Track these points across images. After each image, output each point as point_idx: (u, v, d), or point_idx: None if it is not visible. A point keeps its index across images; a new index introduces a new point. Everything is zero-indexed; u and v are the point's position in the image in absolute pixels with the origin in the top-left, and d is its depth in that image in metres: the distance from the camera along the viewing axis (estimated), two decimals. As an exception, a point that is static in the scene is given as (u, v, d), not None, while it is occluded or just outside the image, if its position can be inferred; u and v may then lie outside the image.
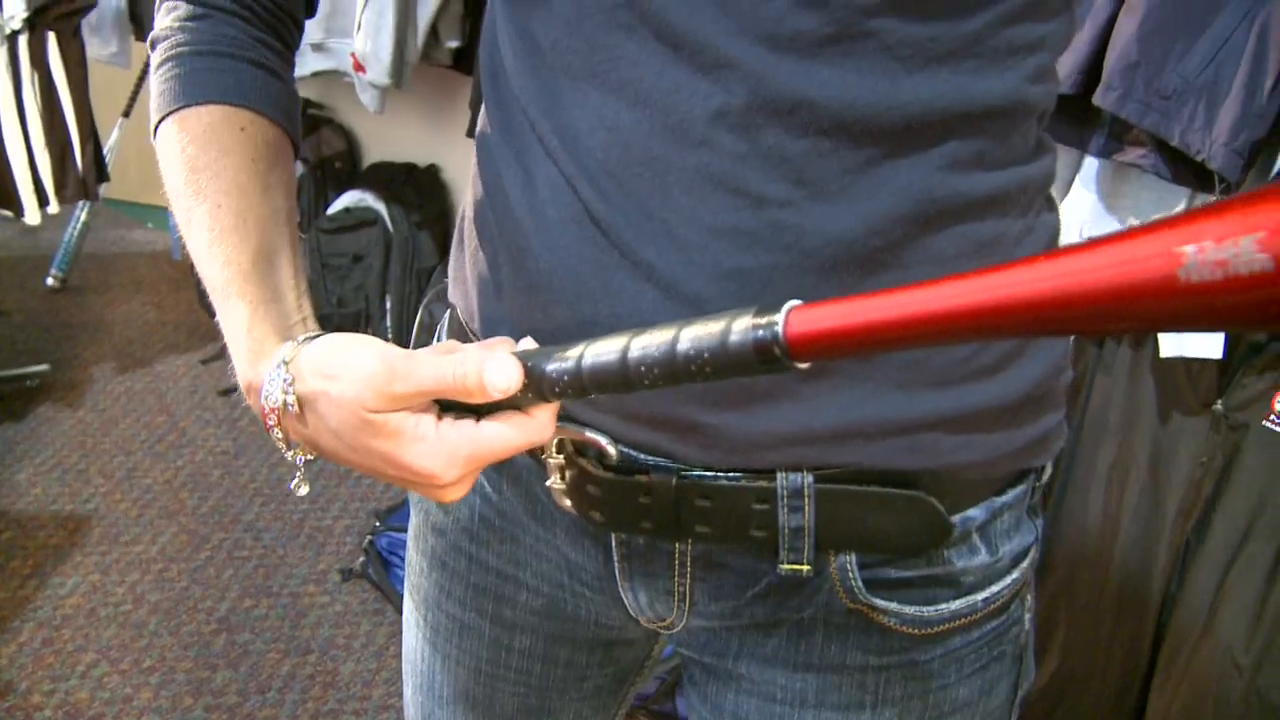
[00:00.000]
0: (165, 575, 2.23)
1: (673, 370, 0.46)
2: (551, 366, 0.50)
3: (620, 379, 0.48)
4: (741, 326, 0.43)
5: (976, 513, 0.63)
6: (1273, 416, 1.44)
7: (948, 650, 0.65)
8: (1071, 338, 0.66)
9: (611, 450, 0.61)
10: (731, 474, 0.60)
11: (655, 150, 0.54)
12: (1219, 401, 1.46)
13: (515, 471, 0.70)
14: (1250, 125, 1.30)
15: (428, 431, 0.53)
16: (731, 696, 0.69)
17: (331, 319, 2.75)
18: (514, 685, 0.78)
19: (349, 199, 2.85)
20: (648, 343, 0.47)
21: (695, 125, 0.53)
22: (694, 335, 0.45)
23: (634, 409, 0.60)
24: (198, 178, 0.62)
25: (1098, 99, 1.36)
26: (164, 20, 0.67)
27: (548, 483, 0.65)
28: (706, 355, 0.45)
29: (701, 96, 0.52)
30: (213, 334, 2.93)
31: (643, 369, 0.47)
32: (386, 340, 0.54)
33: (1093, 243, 0.35)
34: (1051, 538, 1.63)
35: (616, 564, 0.67)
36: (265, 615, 2.15)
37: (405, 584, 0.83)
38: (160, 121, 0.65)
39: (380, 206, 2.77)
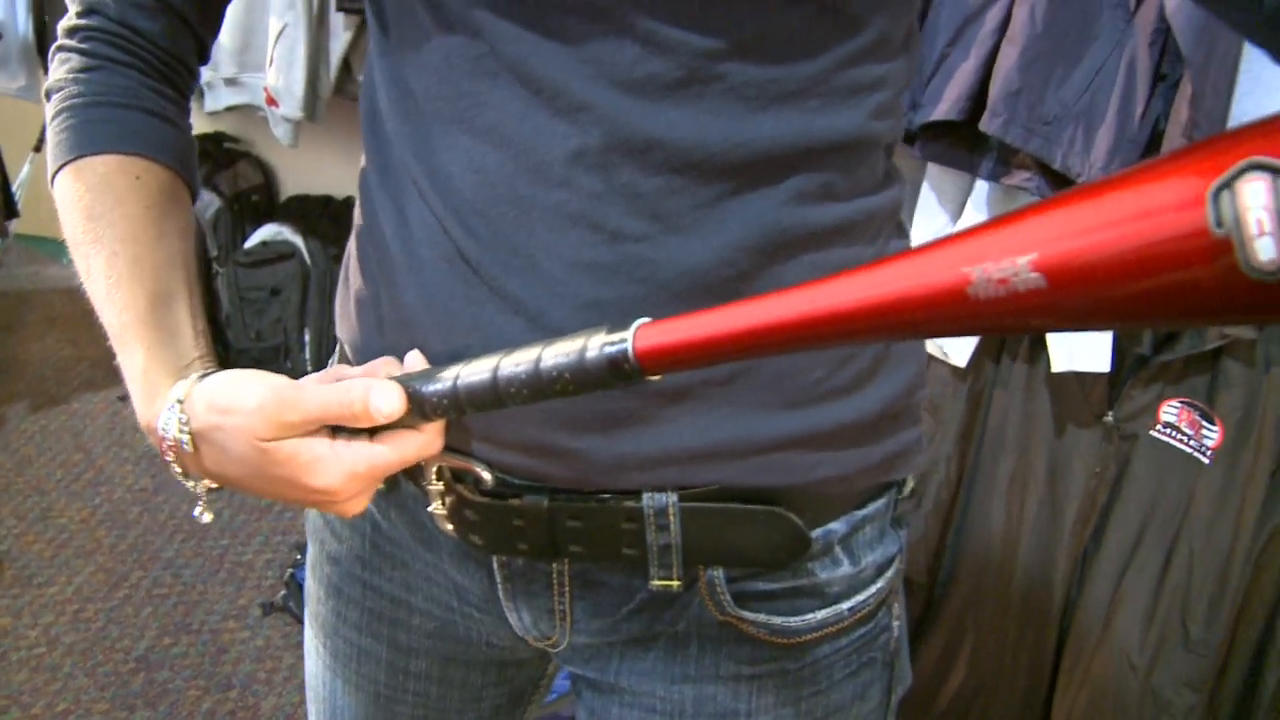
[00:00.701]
0: (81, 616, 2.20)
1: (538, 387, 0.49)
2: (430, 388, 0.54)
3: (492, 397, 0.51)
4: (596, 344, 0.47)
5: (838, 526, 0.66)
6: (1159, 426, 1.50)
7: (817, 658, 0.68)
8: (925, 359, 0.70)
9: (487, 476, 0.64)
10: (600, 495, 0.62)
11: (519, 190, 0.57)
12: (1110, 413, 1.52)
13: (401, 500, 0.72)
14: (1124, 149, 1.36)
15: (322, 452, 0.56)
16: (615, 710, 0.72)
17: (250, 353, 2.73)
18: (412, 708, 0.80)
19: (266, 232, 2.84)
20: (515, 362, 0.50)
21: (555, 166, 0.56)
22: (556, 354, 0.48)
23: (507, 436, 0.62)
24: (94, 226, 0.64)
25: (984, 125, 1.41)
26: (58, 71, 0.68)
27: (429, 509, 0.67)
28: (567, 372, 0.48)
29: (560, 138, 0.55)
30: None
31: (511, 388, 0.50)
32: (306, 373, 0.57)
33: (899, 255, 0.38)
34: (957, 550, 1.67)
35: (499, 585, 0.70)
36: (185, 653, 2.12)
37: (306, 612, 0.84)
38: (57, 171, 0.67)
39: (298, 240, 2.76)
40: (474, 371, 0.52)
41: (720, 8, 0.53)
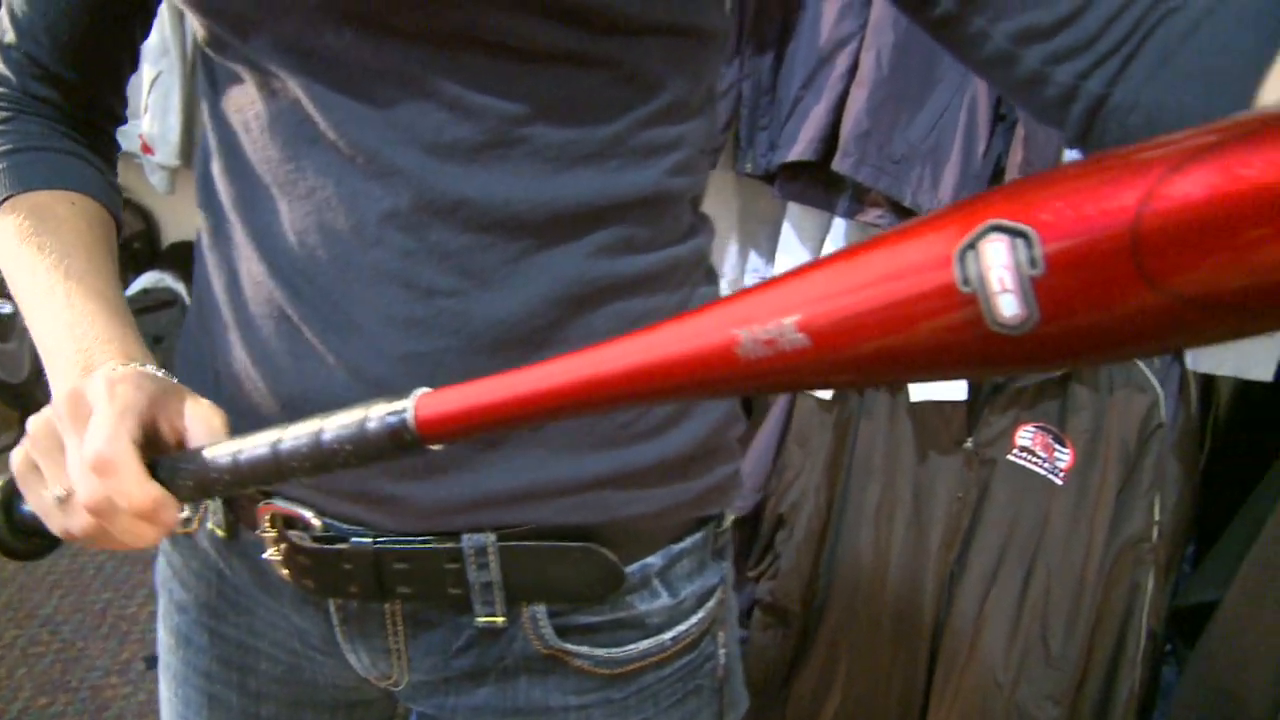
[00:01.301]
0: (-49, 680, 2.13)
1: (320, 459, 0.50)
2: (213, 466, 0.53)
3: (274, 470, 0.52)
4: (378, 415, 0.47)
5: (654, 560, 0.69)
6: (1015, 450, 1.56)
7: (642, 686, 0.71)
8: (736, 400, 0.73)
9: (316, 522, 0.67)
10: (423, 538, 0.65)
11: (338, 250, 0.59)
12: (969, 439, 1.57)
13: (243, 547, 0.73)
14: (969, 185, 1.42)
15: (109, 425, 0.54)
16: None
17: (130, 399, 2.67)
18: None
19: (148, 280, 2.79)
20: (297, 434, 0.50)
21: (370, 227, 0.58)
22: (337, 426, 0.49)
23: (334, 484, 0.65)
24: (39, 239, 0.65)
25: (836, 165, 1.46)
26: None
27: (264, 555, 0.69)
28: (349, 445, 0.49)
29: (374, 200, 0.58)
30: (9, 423, 2.82)
31: (294, 462, 0.51)
32: None
33: (671, 320, 0.40)
34: (830, 578, 1.71)
35: (337, 628, 0.72)
36: (62, 712, 2.06)
37: (159, 663, 0.85)
38: None
39: (179, 287, 2.72)
40: (255, 446, 0.52)
41: (523, 74, 0.56)
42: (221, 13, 0.58)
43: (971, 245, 0.31)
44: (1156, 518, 1.50)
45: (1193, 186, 0.27)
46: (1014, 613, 1.57)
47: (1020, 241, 0.30)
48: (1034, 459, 1.54)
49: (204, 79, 0.65)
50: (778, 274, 0.38)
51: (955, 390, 1.51)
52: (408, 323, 0.59)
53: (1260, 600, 1.41)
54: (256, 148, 0.61)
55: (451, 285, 0.59)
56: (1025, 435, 1.55)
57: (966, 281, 0.31)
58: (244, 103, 0.61)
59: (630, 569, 0.67)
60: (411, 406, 0.46)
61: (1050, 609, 1.54)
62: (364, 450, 0.48)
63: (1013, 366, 0.33)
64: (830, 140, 1.49)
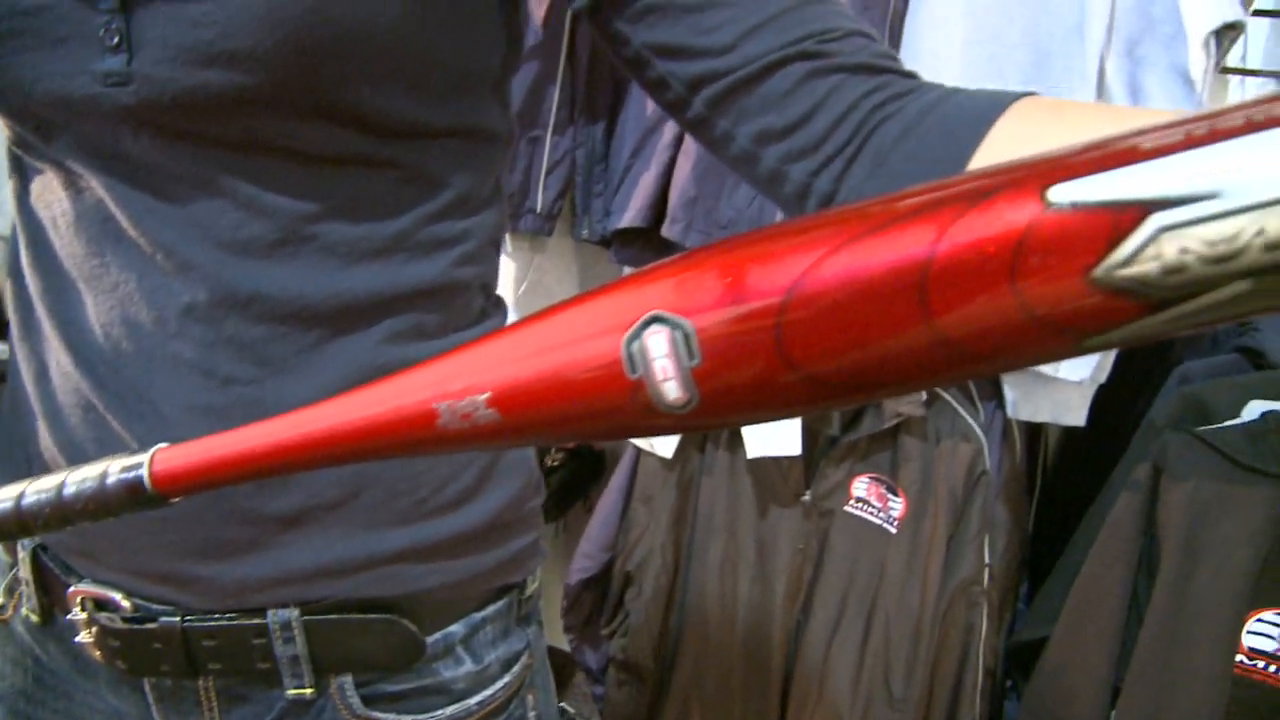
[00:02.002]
0: None
1: (63, 512, 0.49)
2: None
3: (17, 524, 0.51)
4: (116, 469, 0.47)
5: (457, 628, 0.71)
6: (852, 501, 1.60)
7: None
8: (534, 473, 0.76)
9: (125, 604, 0.68)
10: (229, 615, 0.67)
11: (141, 342, 0.62)
12: (808, 492, 1.61)
13: (58, 631, 0.74)
14: (792, 251, 1.46)
15: None
16: None
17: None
18: None
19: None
20: (40, 488, 0.50)
21: (171, 320, 0.61)
22: (79, 479, 0.49)
23: (142, 566, 0.67)
24: None
25: (665, 230, 1.49)
26: None
27: (77, 639, 0.70)
28: (89, 499, 0.49)
29: (174, 295, 0.60)
30: None
31: (37, 519, 0.51)
32: None
33: (383, 381, 0.42)
34: (679, 633, 1.74)
35: (153, 706, 0.72)
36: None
37: None
38: None
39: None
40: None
41: (313, 175, 0.59)
42: (24, 116, 0.60)
43: (636, 336, 0.33)
44: (987, 561, 1.56)
45: (831, 273, 0.30)
46: (857, 657, 1.61)
47: (679, 334, 0.32)
48: (869, 509, 1.59)
49: (13, 173, 0.67)
50: (482, 335, 0.40)
51: (790, 445, 1.55)
52: (207, 410, 0.62)
53: (1082, 634, 1.48)
54: (63, 242, 0.63)
55: (249, 374, 0.62)
56: (860, 486, 1.60)
57: (634, 369, 0.33)
58: (51, 199, 0.63)
59: (432, 638, 0.70)
60: (147, 461, 0.47)
61: (891, 652, 1.59)
62: (104, 505, 0.48)
63: (686, 429, 0.36)
64: (660, 206, 1.53)
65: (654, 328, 0.33)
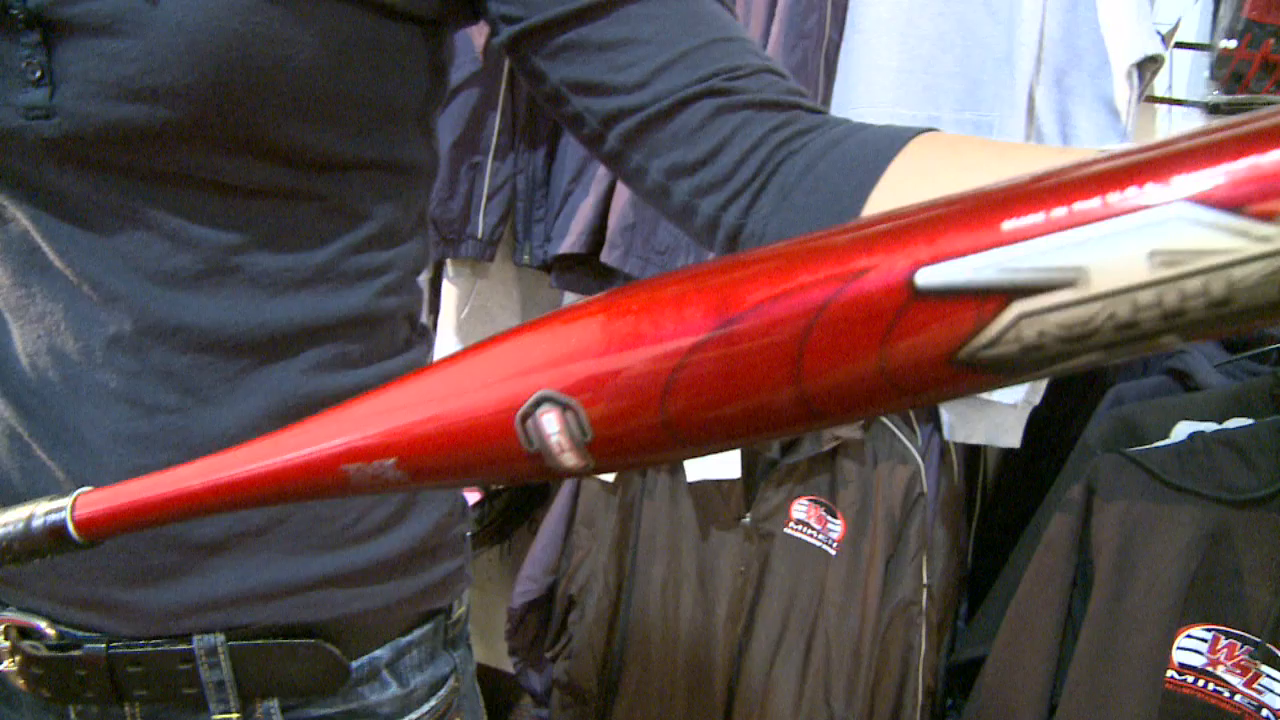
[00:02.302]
0: None
1: None
2: None
3: None
4: (41, 512, 0.48)
5: (382, 653, 0.72)
6: (792, 523, 1.62)
7: None
8: (459, 499, 0.78)
9: (50, 632, 0.68)
10: (155, 641, 0.67)
11: (68, 371, 0.62)
12: (748, 515, 1.63)
13: None
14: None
15: None
16: None
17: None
18: None
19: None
20: None
21: (97, 350, 0.61)
22: (4, 523, 0.49)
23: (67, 593, 0.67)
24: None
25: (604, 256, 1.50)
26: None
27: (0, 668, 0.70)
28: (14, 541, 0.49)
29: (100, 325, 0.61)
30: None
31: None
32: None
33: (295, 427, 0.42)
34: (622, 656, 1.74)
35: None
36: None
37: None
38: None
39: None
40: None
41: (237, 207, 0.60)
42: None
43: (529, 414, 0.35)
44: (925, 581, 1.58)
45: (716, 355, 0.32)
46: (799, 678, 1.62)
47: (570, 415, 0.34)
48: (809, 531, 1.61)
49: None
50: (387, 390, 0.41)
51: (729, 469, 1.57)
52: (132, 439, 0.62)
53: (1019, 653, 1.50)
54: None
55: (174, 403, 0.62)
56: (800, 508, 1.61)
57: (530, 444, 0.35)
58: None
59: (357, 662, 0.70)
60: (69, 505, 0.47)
61: (832, 672, 1.60)
62: (29, 548, 0.49)
63: (586, 476, 0.38)
64: (600, 232, 1.54)
65: (545, 407, 0.35)
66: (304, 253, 0.63)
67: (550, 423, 0.35)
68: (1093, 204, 0.27)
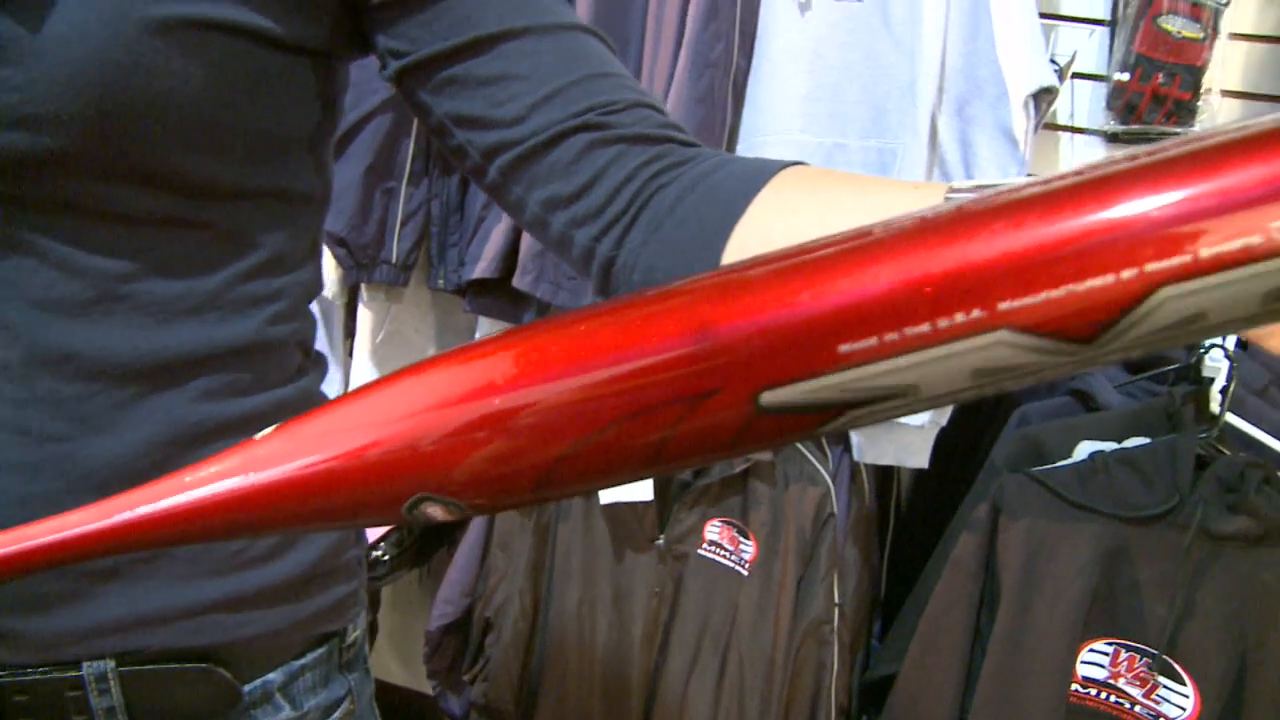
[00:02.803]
0: None
1: None
2: None
3: None
4: None
5: (275, 676, 0.72)
6: (705, 545, 1.64)
7: None
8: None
9: None
10: (43, 669, 0.66)
11: None
12: (661, 536, 1.64)
13: None
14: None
15: None
16: None
17: None
18: None
19: None
20: None
21: None
22: None
23: None
24: None
25: (516, 281, 1.52)
26: None
27: None
28: None
29: None
30: None
31: None
32: None
33: (174, 483, 0.43)
34: (539, 678, 1.75)
35: None
36: None
37: None
38: None
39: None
40: None
41: (126, 236, 0.60)
42: None
43: (412, 509, 0.36)
44: (837, 600, 1.60)
45: (589, 458, 0.35)
46: (713, 697, 1.64)
47: (452, 504, 0.36)
48: (722, 552, 1.63)
49: None
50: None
51: (643, 492, 1.58)
52: (21, 467, 0.62)
53: (929, 670, 1.52)
54: None
55: (62, 431, 0.62)
56: (713, 530, 1.63)
57: (417, 520, 0.37)
58: None
59: (250, 686, 0.70)
60: None
61: (746, 692, 1.62)
62: None
63: None
64: (512, 257, 1.55)
65: (427, 503, 0.36)
66: (193, 280, 0.63)
67: (435, 511, 0.37)
68: (923, 329, 0.29)
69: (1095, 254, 0.27)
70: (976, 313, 0.28)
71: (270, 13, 0.61)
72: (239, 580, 0.69)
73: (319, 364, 0.76)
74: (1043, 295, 0.28)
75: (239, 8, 0.59)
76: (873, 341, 0.29)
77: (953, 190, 0.48)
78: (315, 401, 0.76)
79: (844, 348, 0.30)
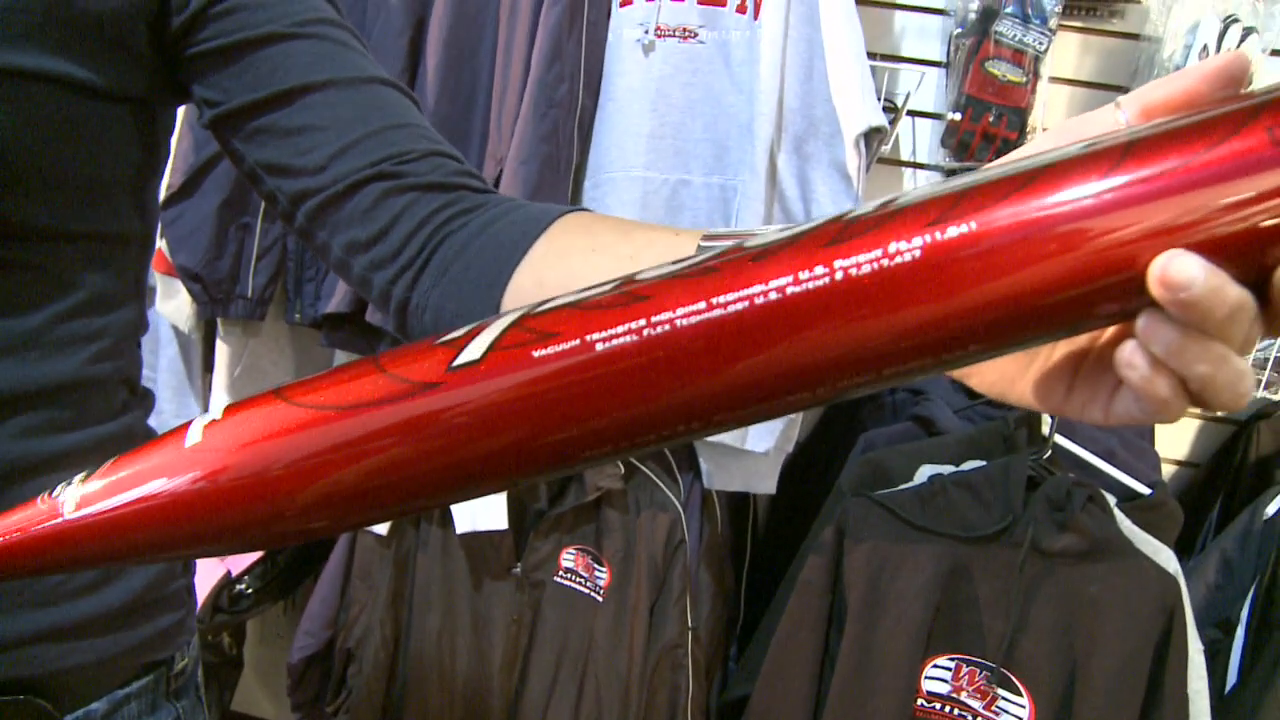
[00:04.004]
0: None
1: None
2: None
3: None
4: None
5: (98, 706, 0.72)
6: (561, 572, 1.67)
7: None
8: None
9: None
10: None
11: None
12: (518, 565, 1.67)
13: None
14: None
15: None
16: None
17: None
18: None
19: None
20: None
21: None
22: None
23: None
24: None
25: (369, 316, 1.54)
26: None
27: None
28: None
29: None
30: None
31: None
32: None
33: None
34: (400, 707, 1.76)
35: None
36: None
37: None
38: None
39: None
40: None
41: None
42: None
43: None
44: (690, 624, 1.64)
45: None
46: (571, 722, 1.67)
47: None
48: (577, 579, 1.66)
49: None
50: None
51: (496, 520, 1.61)
52: None
53: (780, 690, 1.56)
54: None
55: None
56: (568, 558, 1.66)
57: None
58: None
59: (72, 716, 0.70)
60: None
61: (603, 714, 1.65)
62: None
63: None
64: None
65: None
66: (12, 320, 0.64)
67: None
68: None
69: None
70: None
71: (86, 63, 0.62)
72: (62, 611, 0.69)
73: (144, 400, 0.77)
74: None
75: (54, 58, 0.61)
76: None
77: (706, 238, 0.53)
78: (139, 437, 0.78)
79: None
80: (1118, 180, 0.33)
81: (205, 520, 0.40)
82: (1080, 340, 0.42)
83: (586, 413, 0.37)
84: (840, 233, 0.34)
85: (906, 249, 0.33)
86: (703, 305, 0.35)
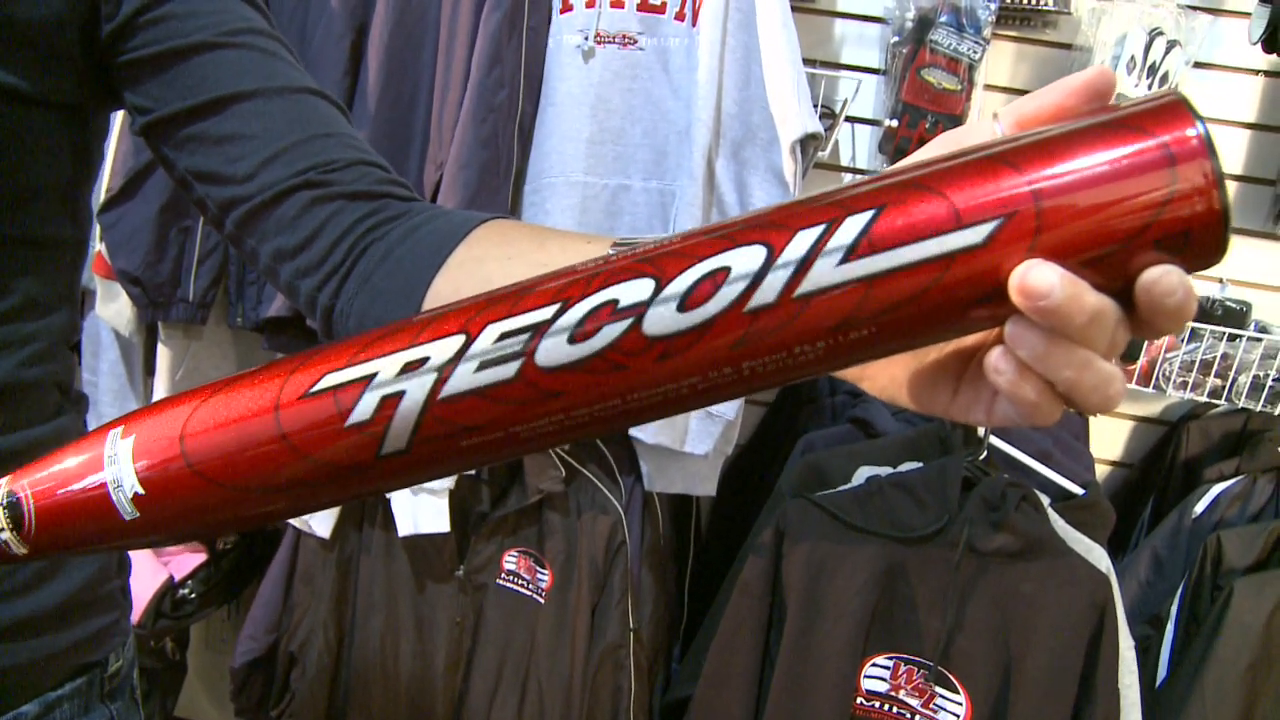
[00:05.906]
0: None
1: None
2: None
3: None
4: None
5: (29, 708, 0.72)
6: (504, 574, 1.68)
7: None
8: (113, 555, 0.80)
9: None
10: None
11: None
12: (461, 567, 1.68)
13: None
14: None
15: None
16: None
17: None
18: None
19: None
20: None
21: None
22: None
23: None
24: None
25: (309, 320, 1.54)
26: None
27: None
28: None
29: None
30: None
31: None
32: None
33: None
34: (344, 710, 1.77)
35: None
36: None
37: None
38: None
39: None
40: None
41: None
42: None
43: None
44: (632, 625, 1.65)
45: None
46: (514, 722, 1.68)
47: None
48: (519, 581, 1.67)
49: None
50: None
51: (438, 523, 1.62)
52: None
53: (721, 690, 1.57)
54: None
55: None
56: (511, 560, 1.67)
57: None
58: None
59: (2, 718, 0.70)
60: None
61: (545, 715, 1.66)
62: None
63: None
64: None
65: None
66: None
67: None
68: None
69: None
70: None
71: (16, 70, 0.63)
72: None
73: (78, 404, 0.77)
74: None
75: None
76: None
77: (616, 244, 0.54)
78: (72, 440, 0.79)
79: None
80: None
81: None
82: (965, 342, 0.43)
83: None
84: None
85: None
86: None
